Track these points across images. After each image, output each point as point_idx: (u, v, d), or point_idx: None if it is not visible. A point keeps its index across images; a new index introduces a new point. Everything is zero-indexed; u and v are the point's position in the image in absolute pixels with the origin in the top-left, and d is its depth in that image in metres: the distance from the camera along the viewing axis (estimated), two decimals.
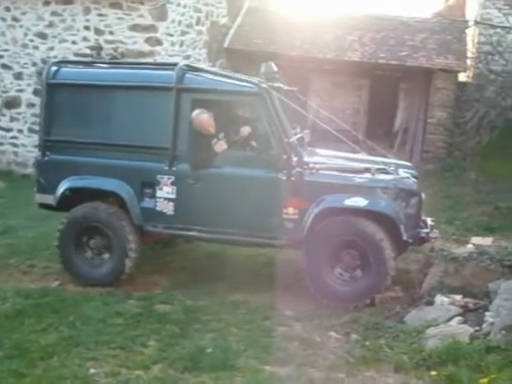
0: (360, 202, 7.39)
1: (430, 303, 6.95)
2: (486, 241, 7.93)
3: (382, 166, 7.84)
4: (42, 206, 8.66)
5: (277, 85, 8.14)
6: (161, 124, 7.87)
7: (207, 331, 6.69)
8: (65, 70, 8.55)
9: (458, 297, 6.88)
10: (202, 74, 8.19)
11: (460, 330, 6.18)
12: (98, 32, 14.59)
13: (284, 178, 7.54)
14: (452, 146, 15.96)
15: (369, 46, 16.72)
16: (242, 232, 7.74)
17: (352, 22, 17.38)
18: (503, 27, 14.33)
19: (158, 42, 14.46)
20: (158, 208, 7.94)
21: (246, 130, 8.21)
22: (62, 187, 8.19)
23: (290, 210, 7.55)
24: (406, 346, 6.03)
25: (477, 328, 6.22)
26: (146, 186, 7.98)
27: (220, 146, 7.83)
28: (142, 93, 8.07)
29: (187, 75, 7.97)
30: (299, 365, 5.84)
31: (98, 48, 14.63)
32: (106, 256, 8.19)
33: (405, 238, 7.39)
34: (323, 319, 7.00)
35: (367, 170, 7.69)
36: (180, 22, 14.99)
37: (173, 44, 14.74)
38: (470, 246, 7.70)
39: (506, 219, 9.20)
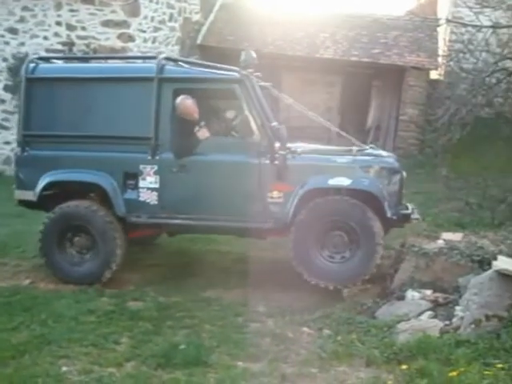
0: (344, 181, 7.55)
1: (401, 298, 7.01)
2: (456, 236, 8.00)
3: (362, 147, 8.08)
4: (22, 203, 8.56)
5: (256, 73, 8.20)
6: (143, 114, 7.90)
7: (180, 328, 6.71)
8: (44, 65, 8.53)
9: (429, 292, 6.94)
10: (181, 64, 8.31)
11: (430, 324, 6.26)
12: (70, 28, 14.53)
13: (267, 162, 7.64)
14: (423, 143, 16.09)
15: (341, 43, 16.80)
16: (227, 218, 7.79)
17: (324, 19, 17.43)
18: (474, 26, 14.43)
19: (131, 39, 14.44)
20: (142, 198, 7.94)
21: (227, 118, 8.29)
22: (43, 182, 8.12)
23: (275, 193, 7.67)
24: (378, 340, 6.09)
25: (447, 322, 6.30)
26: (129, 176, 7.97)
27: (203, 133, 7.86)
28: (123, 84, 8.08)
29: (167, 66, 8.04)
30: (272, 360, 5.87)
31: (69, 44, 14.57)
32: (90, 254, 8.13)
33: (389, 214, 7.55)
34: (295, 315, 7.05)
35: (348, 151, 7.89)
36: (153, 18, 14.97)
37: (145, 40, 14.72)
38: (440, 241, 7.76)
39: (476, 215, 9.29)
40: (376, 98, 17.05)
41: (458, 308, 6.46)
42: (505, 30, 13.87)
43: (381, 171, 7.72)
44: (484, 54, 14.94)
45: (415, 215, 7.98)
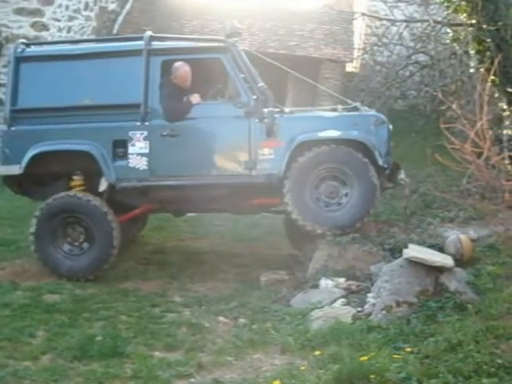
0: (333, 133, 7.81)
1: (315, 286, 7.13)
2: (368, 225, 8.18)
3: (347, 106, 8.44)
4: (7, 182, 8.44)
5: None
6: (132, 84, 8.03)
7: (96, 319, 6.68)
8: (33, 46, 8.82)
9: (342, 280, 7.08)
10: (168, 39, 8.70)
11: (343, 311, 6.41)
12: None
13: (257, 121, 7.85)
14: None
15: (258, 35, 16.86)
16: (218, 176, 7.94)
17: (242, 10, 17.46)
18: (388, 20, 14.78)
19: (45, 27, 14.17)
20: (131, 164, 7.97)
21: (216, 86, 8.35)
22: (31, 153, 8.02)
23: (266, 150, 7.84)
24: (292, 328, 6.20)
25: (359, 309, 6.45)
26: (118, 144, 7.99)
27: (195, 98, 8.00)
28: (112, 58, 8.25)
29: (155, 42, 8.25)
30: (188, 350, 5.92)
31: None
32: (86, 247, 8.05)
33: (380, 163, 7.77)
34: (212, 305, 7.12)
35: (333, 109, 8.34)
36: (67, 7, 14.71)
37: (60, 29, 14.47)
38: None
39: (388, 204, 9.52)
40: (292, 90, 17.18)
41: (370, 295, 6.61)
42: (418, 25, 14.24)
43: (367, 123, 7.95)
44: (398, 48, 15.32)
45: (403, 175, 8.19)
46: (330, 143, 7.74)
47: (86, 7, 15.43)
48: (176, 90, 8.03)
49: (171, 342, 6.12)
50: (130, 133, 7.97)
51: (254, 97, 7.88)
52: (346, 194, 7.78)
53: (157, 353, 5.88)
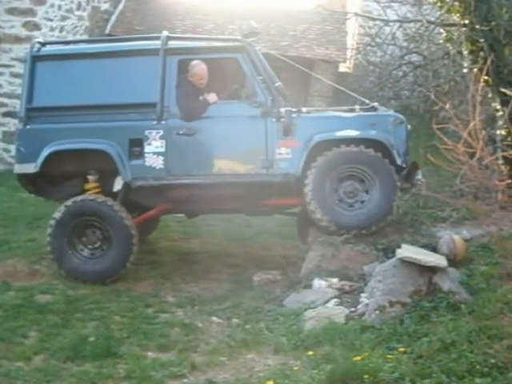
0: (351, 132, 7.85)
1: (308, 287, 7.13)
2: None
3: (364, 106, 8.46)
4: (21, 180, 8.37)
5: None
6: (149, 83, 8.03)
7: (89, 320, 6.69)
8: (49, 46, 8.79)
9: (335, 280, 7.08)
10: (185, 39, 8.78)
11: (336, 311, 6.41)
12: None
13: (274, 120, 7.87)
14: None
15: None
16: (235, 174, 7.93)
17: (233, 10, 17.43)
18: (382, 20, 14.77)
19: (37, 27, 14.10)
20: (148, 163, 7.97)
21: (233, 85, 8.40)
22: (46, 152, 7.99)
23: (283, 150, 7.86)
24: (285, 328, 6.22)
25: (352, 309, 6.47)
26: (134, 143, 7.99)
27: (212, 97, 8.02)
28: (128, 57, 8.24)
29: (172, 41, 8.25)
30: (181, 350, 5.93)
31: None
32: (103, 250, 8.01)
33: (399, 162, 7.79)
34: (205, 305, 7.13)
35: (351, 109, 8.34)
36: (60, 7, 14.63)
37: (52, 29, 14.40)
38: None
39: None
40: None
41: (363, 295, 6.64)
42: (411, 25, 14.21)
43: (385, 123, 7.96)
44: (391, 48, 15.32)
45: (419, 176, 8.17)
46: (348, 143, 7.74)
47: (79, 7, 15.35)
48: (193, 89, 8.05)
49: (164, 342, 6.12)
50: (146, 132, 7.97)
51: (271, 97, 7.89)
52: (365, 197, 7.79)
53: (150, 353, 5.90)
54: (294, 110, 7.95)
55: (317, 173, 7.70)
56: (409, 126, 8.12)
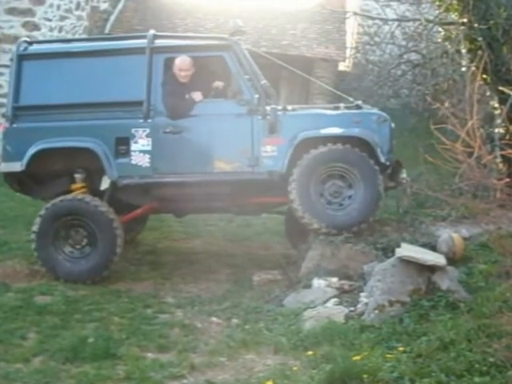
0: (335, 130, 7.85)
1: (308, 286, 7.13)
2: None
3: (349, 105, 8.52)
4: (8, 179, 8.38)
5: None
6: (135, 82, 8.02)
7: (89, 321, 6.67)
8: (36, 44, 8.82)
9: (335, 279, 7.08)
10: (171, 38, 8.79)
11: (336, 310, 6.41)
12: None
13: (259, 117, 7.86)
14: None
15: (250, 34, 16.82)
16: (221, 172, 7.94)
17: (234, 9, 17.42)
18: (381, 19, 14.78)
19: (36, 27, 14.08)
20: (134, 161, 7.97)
21: (218, 83, 8.38)
22: (33, 150, 8.00)
23: (268, 147, 7.87)
24: (285, 328, 6.21)
25: (352, 308, 6.47)
26: (121, 141, 7.99)
27: (197, 95, 8.02)
28: (114, 56, 8.25)
29: (158, 40, 8.25)
30: (181, 351, 5.92)
31: None
32: (87, 250, 8.01)
33: (383, 160, 7.78)
34: (204, 305, 7.12)
35: (336, 107, 8.44)
36: (59, 7, 14.61)
37: (51, 29, 14.38)
38: None
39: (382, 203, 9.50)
40: (285, 88, 17.16)
41: (362, 294, 6.63)
42: (410, 23, 14.24)
43: (369, 121, 7.97)
44: (390, 47, 15.34)
45: (404, 174, 8.20)
46: (333, 141, 7.73)
47: (78, 7, 15.34)
48: (178, 88, 8.03)
49: (164, 343, 6.11)
50: (133, 130, 7.98)
51: (257, 95, 7.89)
52: (350, 196, 7.76)
53: (149, 354, 5.88)
54: (279, 107, 7.97)
55: (301, 170, 7.69)
56: (393, 125, 8.11)
